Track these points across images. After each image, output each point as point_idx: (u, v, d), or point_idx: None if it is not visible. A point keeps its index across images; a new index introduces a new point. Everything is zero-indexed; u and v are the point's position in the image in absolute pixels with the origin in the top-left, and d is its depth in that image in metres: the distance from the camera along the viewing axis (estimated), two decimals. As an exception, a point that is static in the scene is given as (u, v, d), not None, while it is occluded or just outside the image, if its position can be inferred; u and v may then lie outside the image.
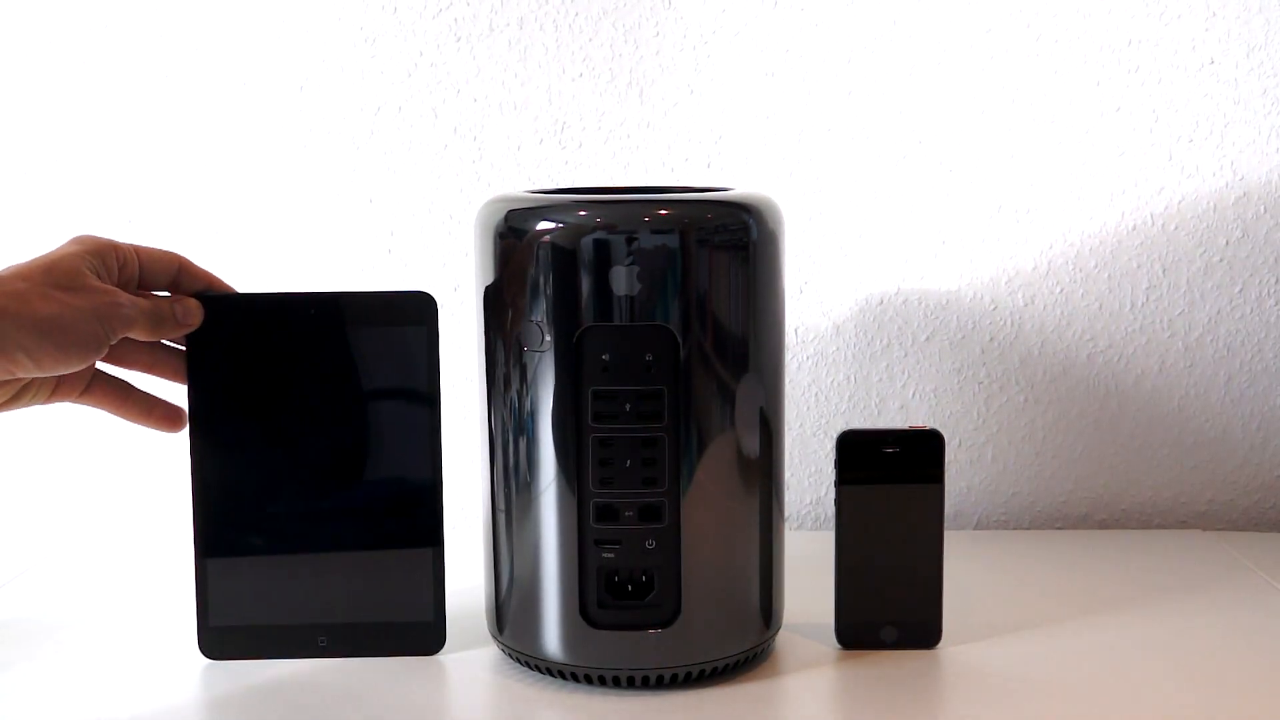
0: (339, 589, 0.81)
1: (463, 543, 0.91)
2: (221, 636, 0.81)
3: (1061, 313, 1.08)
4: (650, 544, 0.75)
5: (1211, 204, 1.07)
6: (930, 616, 0.82)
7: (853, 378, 1.09)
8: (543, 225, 0.74)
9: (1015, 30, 1.05)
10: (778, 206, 0.78)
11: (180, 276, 0.78)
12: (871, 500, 0.81)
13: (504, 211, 0.75)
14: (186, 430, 0.80)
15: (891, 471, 0.80)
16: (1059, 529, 1.11)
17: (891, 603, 0.81)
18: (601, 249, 0.72)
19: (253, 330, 0.80)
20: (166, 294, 0.78)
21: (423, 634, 0.82)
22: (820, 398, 1.10)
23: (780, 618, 0.81)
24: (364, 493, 0.81)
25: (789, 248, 0.87)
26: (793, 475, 1.11)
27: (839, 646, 0.82)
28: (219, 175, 1.07)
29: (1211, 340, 1.09)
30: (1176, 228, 1.07)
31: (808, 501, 1.12)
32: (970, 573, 0.95)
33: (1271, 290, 1.08)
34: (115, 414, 0.78)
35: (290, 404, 0.80)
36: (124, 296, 0.72)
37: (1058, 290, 1.08)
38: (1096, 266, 1.08)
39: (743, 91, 1.06)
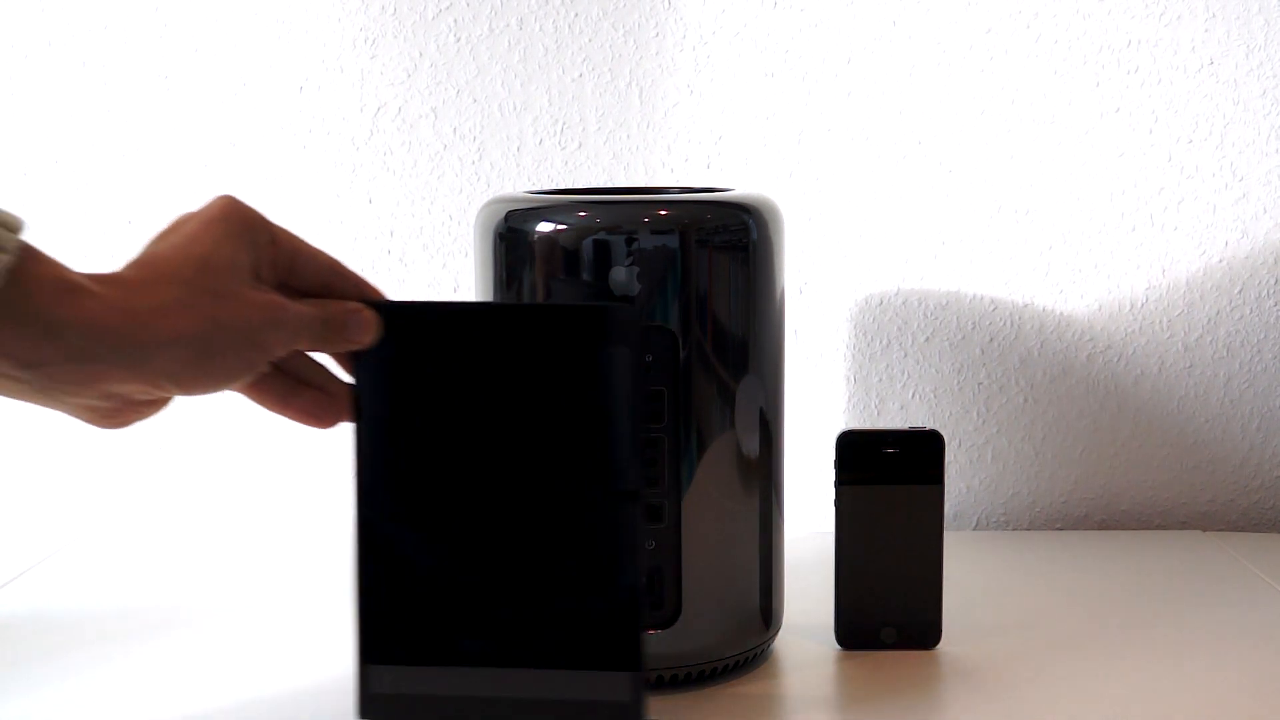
0: None
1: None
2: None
3: (1061, 313, 1.08)
4: (650, 544, 0.75)
5: (1211, 204, 1.07)
6: (930, 617, 0.82)
7: (853, 378, 1.09)
8: (543, 226, 0.74)
9: (1015, 30, 1.05)
10: (777, 207, 0.78)
11: (331, 279, 0.63)
12: (871, 500, 0.81)
13: (504, 212, 0.75)
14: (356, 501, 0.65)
15: (891, 472, 0.80)
16: (1059, 529, 1.11)
17: (891, 603, 0.81)
18: (601, 249, 0.72)
19: (433, 349, 0.63)
20: (329, 300, 0.63)
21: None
22: (820, 398, 1.10)
23: (780, 618, 0.81)
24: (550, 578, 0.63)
25: (789, 248, 0.86)
26: (793, 475, 1.11)
27: (839, 646, 0.82)
28: (219, 175, 1.07)
29: (1211, 340, 1.09)
30: (1176, 228, 1.07)
31: (808, 502, 1.12)
32: (970, 573, 0.95)
33: (1271, 290, 1.08)
34: (252, 399, 0.63)
35: (479, 447, 0.62)
36: (289, 308, 0.59)
37: (1058, 290, 1.08)
38: (1096, 266, 1.08)
39: (743, 91, 1.06)
